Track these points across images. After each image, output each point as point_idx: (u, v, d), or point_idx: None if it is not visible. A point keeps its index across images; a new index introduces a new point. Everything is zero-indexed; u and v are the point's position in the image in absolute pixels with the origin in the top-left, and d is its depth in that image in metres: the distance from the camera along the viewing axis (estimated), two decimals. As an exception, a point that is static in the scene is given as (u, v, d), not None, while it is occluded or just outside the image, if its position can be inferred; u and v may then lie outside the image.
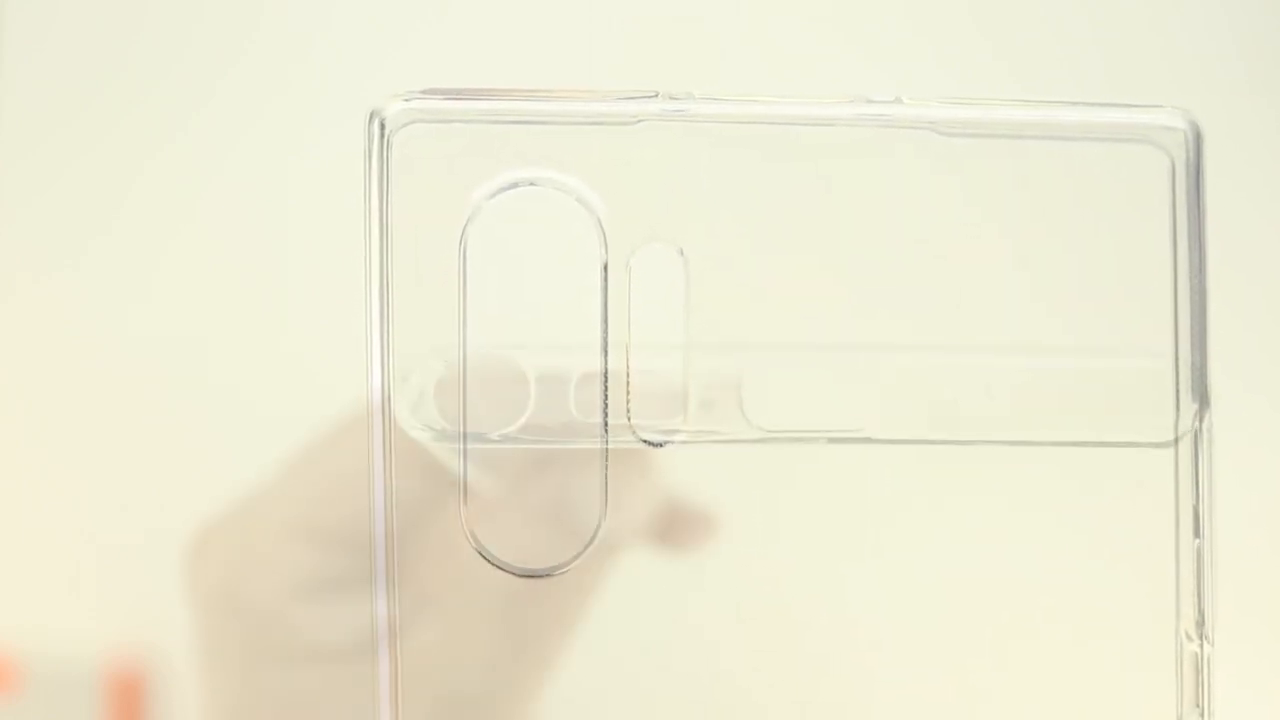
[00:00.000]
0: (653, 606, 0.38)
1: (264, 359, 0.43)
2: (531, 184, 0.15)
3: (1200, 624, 0.17)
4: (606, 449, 0.15)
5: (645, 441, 0.15)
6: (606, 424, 0.15)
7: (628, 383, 0.15)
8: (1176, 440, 0.15)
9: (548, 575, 0.22)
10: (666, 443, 0.15)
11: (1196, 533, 0.17)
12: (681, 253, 0.16)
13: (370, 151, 0.15)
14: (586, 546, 0.22)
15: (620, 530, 0.22)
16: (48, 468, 0.43)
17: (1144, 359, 0.15)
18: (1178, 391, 0.15)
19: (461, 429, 0.15)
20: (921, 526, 0.45)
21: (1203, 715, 0.18)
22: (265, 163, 0.43)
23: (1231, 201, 0.47)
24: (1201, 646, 0.17)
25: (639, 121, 0.15)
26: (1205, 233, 0.17)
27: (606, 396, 0.15)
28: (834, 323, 0.44)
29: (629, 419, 0.15)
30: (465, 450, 0.16)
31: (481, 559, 0.23)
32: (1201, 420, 0.15)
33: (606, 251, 0.15)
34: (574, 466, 0.21)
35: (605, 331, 0.14)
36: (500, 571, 0.22)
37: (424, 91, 0.15)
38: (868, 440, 0.15)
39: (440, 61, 0.44)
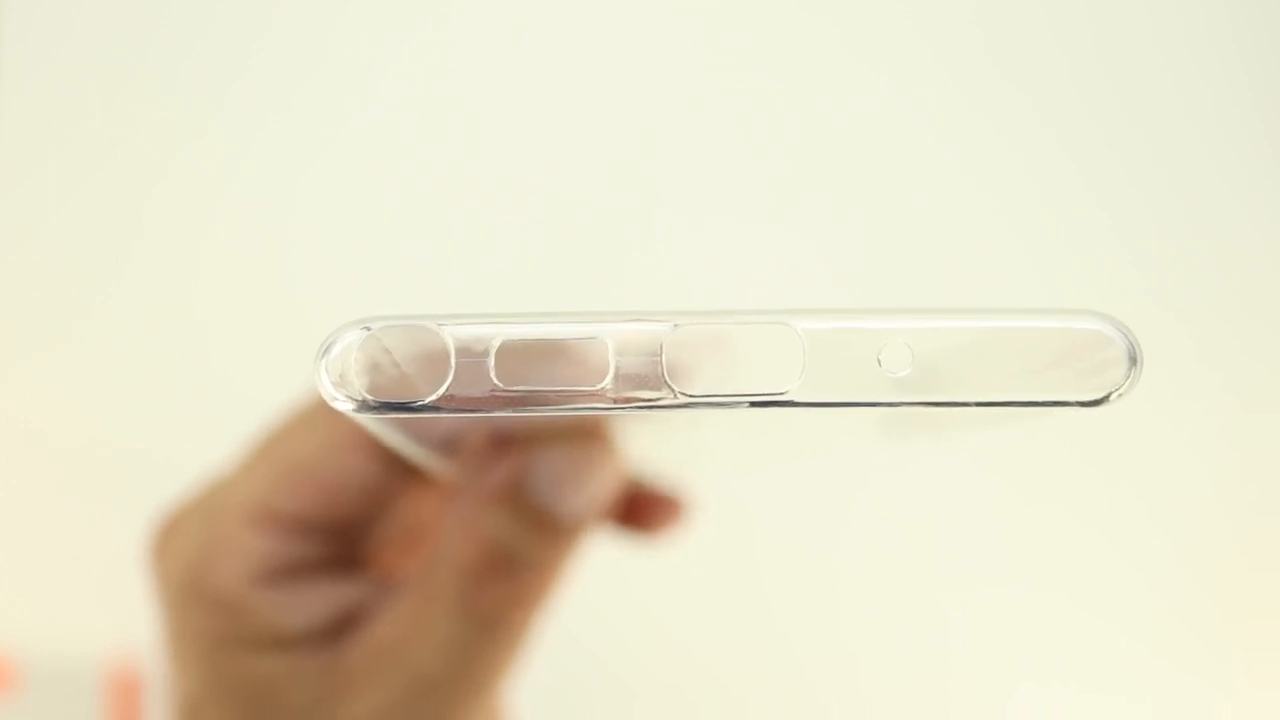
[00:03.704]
0: (612, 587, 0.38)
1: (260, 361, 0.44)
2: None
3: None
4: (531, 416, 0.15)
5: (569, 409, 0.15)
6: (530, 392, 0.15)
7: (551, 350, 0.15)
8: (1105, 400, 0.15)
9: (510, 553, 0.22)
10: (590, 409, 0.15)
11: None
12: None
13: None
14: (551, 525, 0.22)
15: (578, 507, 0.22)
16: (48, 469, 0.43)
17: (1070, 318, 0.15)
18: (1106, 350, 0.15)
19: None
20: (862, 489, 0.44)
21: None
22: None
23: (1161, 161, 0.46)
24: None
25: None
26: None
27: (529, 365, 0.15)
28: (756, 286, 0.44)
29: (552, 387, 0.15)
30: (391, 420, 0.16)
31: (447, 539, 0.23)
32: (1130, 379, 0.15)
33: None
34: (533, 443, 0.22)
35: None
36: (466, 552, 0.22)
37: None
38: (790, 404, 0.15)
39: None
